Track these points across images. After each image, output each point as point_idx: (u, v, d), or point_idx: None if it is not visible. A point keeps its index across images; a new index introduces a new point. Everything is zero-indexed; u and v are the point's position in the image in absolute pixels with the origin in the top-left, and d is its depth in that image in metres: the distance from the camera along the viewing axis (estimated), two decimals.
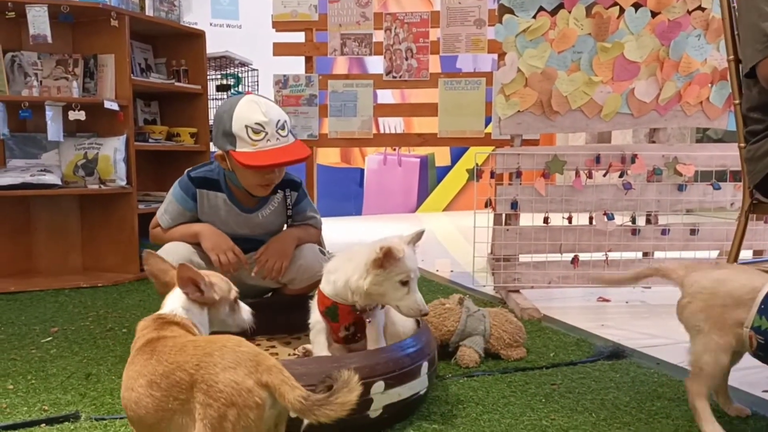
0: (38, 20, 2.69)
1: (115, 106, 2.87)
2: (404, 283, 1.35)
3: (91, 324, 2.19)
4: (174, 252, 1.70)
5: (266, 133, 1.62)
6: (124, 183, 2.93)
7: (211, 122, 3.31)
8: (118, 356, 1.82)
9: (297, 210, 1.89)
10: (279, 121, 1.65)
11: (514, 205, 2.49)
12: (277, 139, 1.64)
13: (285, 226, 1.91)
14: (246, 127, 1.61)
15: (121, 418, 1.37)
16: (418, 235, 1.40)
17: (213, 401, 0.94)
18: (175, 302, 1.20)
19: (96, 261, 3.09)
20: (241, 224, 1.81)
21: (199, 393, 0.96)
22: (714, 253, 2.62)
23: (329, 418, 0.93)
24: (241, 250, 1.80)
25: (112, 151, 2.90)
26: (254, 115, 1.62)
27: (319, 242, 1.95)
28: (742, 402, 1.46)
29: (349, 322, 1.46)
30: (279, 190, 1.83)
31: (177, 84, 3.27)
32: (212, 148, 2.98)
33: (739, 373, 1.70)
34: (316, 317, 1.49)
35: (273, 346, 1.79)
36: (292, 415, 0.99)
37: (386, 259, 1.33)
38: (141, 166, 3.05)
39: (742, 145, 1.61)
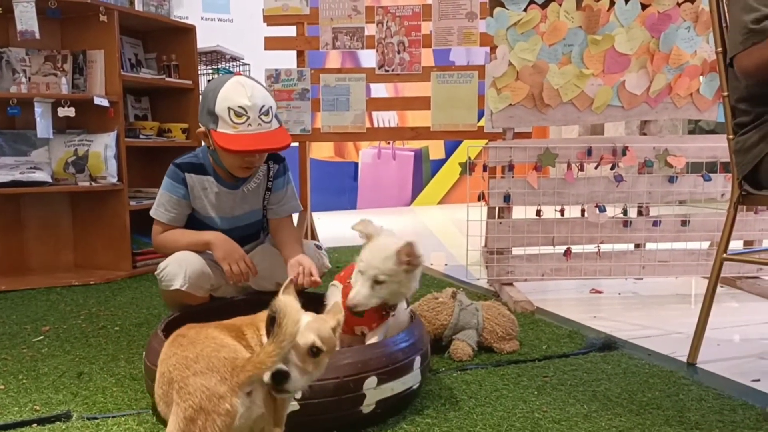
0: (26, 16, 2.66)
1: (105, 102, 2.85)
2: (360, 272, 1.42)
3: (83, 322, 2.18)
4: (185, 262, 1.68)
5: (248, 118, 1.60)
6: (115, 180, 2.91)
7: None
8: (110, 354, 1.82)
9: (276, 187, 1.85)
10: (263, 106, 1.63)
11: (507, 198, 2.49)
12: (259, 124, 1.62)
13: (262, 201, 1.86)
14: (228, 109, 1.60)
15: (113, 417, 1.37)
16: (408, 251, 1.41)
17: (182, 402, 0.94)
18: None
19: (88, 258, 3.08)
20: (233, 203, 1.79)
21: (173, 391, 0.97)
22: (705, 244, 2.63)
23: (282, 349, 0.94)
24: (242, 238, 1.79)
25: (103, 147, 2.88)
26: (238, 97, 1.60)
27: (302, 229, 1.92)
28: (733, 391, 1.48)
29: (375, 322, 1.47)
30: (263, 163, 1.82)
31: (167, 79, 3.25)
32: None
33: (730, 363, 1.72)
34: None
35: None
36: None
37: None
38: (132, 163, 3.04)
39: (731, 136, 1.62)
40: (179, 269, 1.66)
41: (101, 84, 2.94)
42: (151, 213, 1.80)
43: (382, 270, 1.38)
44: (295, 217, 3.63)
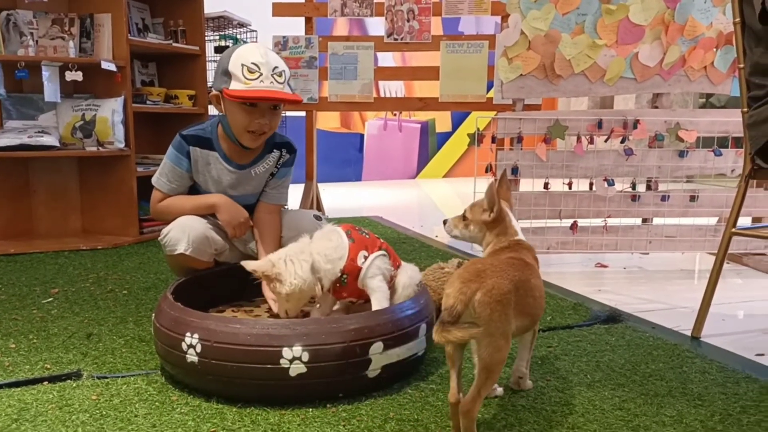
0: None
1: (112, 67, 2.83)
2: None
3: (91, 285, 2.20)
4: (188, 227, 1.68)
5: (261, 74, 1.61)
6: (122, 145, 2.91)
7: (209, 83, 3.27)
8: (119, 317, 1.84)
9: (280, 174, 1.85)
10: (277, 67, 1.64)
11: (515, 170, 2.48)
12: (271, 82, 1.62)
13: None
14: (242, 65, 1.60)
15: (122, 377, 1.39)
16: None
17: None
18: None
19: (95, 223, 3.09)
20: (234, 182, 1.79)
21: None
22: (713, 220, 2.62)
23: None
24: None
25: (110, 112, 2.87)
26: (252, 55, 1.61)
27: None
28: (737, 365, 1.48)
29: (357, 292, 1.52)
30: (275, 150, 1.82)
31: (174, 45, 3.22)
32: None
33: (734, 337, 1.73)
34: None
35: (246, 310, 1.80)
36: None
37: None
38: (139, 129, 3.03)
39: (745, 110, 1.60)
40: (182, 234, 1.66)
41: (108, 48, 2.91)
42: (153, 181, 1.79)
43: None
44: (301, 187, 3.66)
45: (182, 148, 1.74)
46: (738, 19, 1.60)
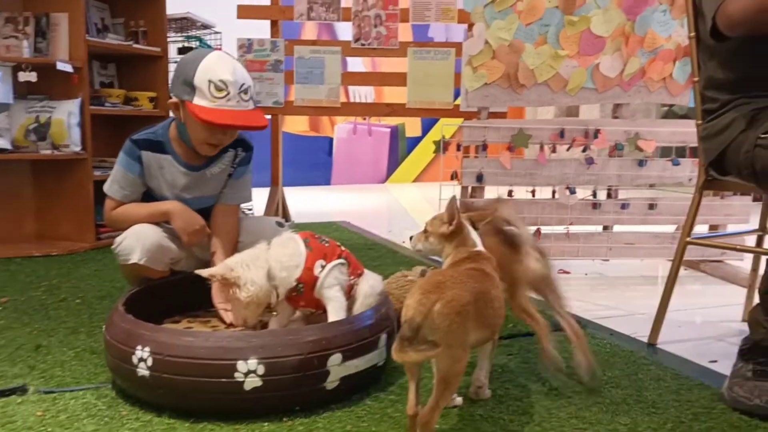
0: None
1: (68, 68, 2.75)
2: None
3: (43, 294, 2.12)
4: (142, 235, 1.63)
5: (228, 93, 1.58)
6: (78, 148, 2.82)
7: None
8: (71, 327, 1.78)
9: (237, 173, 1.81)
10: (243, 84, 1.61)
11: (480, 177, 2.49)
12: (238, 101, 1.60)
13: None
14: (209, 81, 1.57)
15: (71, 391, 1.34)
16: None
17: None
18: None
19: (50, 229, 2.99)
20: (190, 185, 1.75)
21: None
22: (671, 228, 2.68)
23: None
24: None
25: (66, 114, 2.79)
26: (221, 72, 1.57)
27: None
28: (690, 371, 1.51)
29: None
30: (230, 149, 1.78)
31: (135, 46, 3.15)
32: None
33: (689, 344, 1.76)
34: None
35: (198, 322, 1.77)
36: None
37: None
38: (97, 132, 2.94)
39: (699, 122, 1.63)
40: (136, 242, 1.61)
41: (65, 49, 2.83)
42: (105, 189, 1.74)
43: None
44: (265, 192, 3.61)
45: (133, 153, 1.70)
46: (693, 34, 1.63)
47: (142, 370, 1.23)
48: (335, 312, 1.45)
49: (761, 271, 1.58)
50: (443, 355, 1.04)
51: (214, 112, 1.57)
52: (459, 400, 1.32)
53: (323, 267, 1.46)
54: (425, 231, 1.34)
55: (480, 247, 1.29)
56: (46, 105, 2.83)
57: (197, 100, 1.58)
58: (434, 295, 1.06)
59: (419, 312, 1.04)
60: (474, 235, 1.30)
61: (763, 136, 1.38)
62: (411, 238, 1.39)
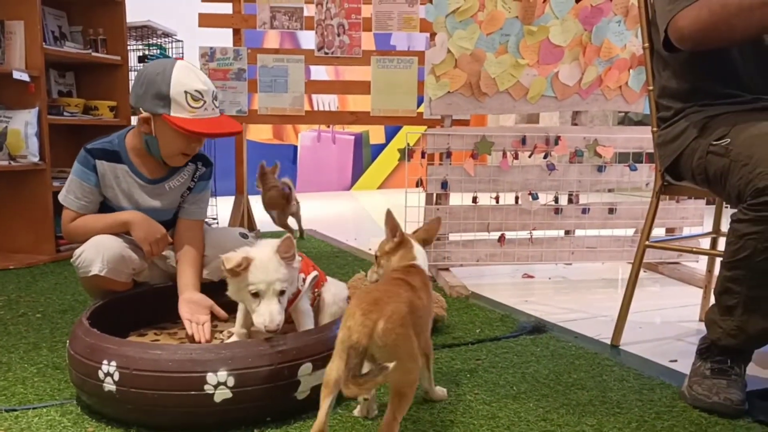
0: None
1: (25, 77, 2.68)
2: (255, 294, 1.31)
3: (1, 309, 2.06)
4: (102, 246, 1.60)
5: (204, 102, 1.61)
6: (36, 159, 2.75)
7: None
8: (32, 343, 1.73)
9: (198, 188, 1.81)
10: (213, 92, 1.66)
11: (444, 184, 2.53)
12: (213, 109, 1.64)
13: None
14: (186, 93, 1.57)
15: (34, 408, 1.31)
16: (287, 246, 1.32)
17: None
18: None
19: (7, 242, 2.90)
20: (146, 196, 1.73)
21: None
22: (630, 231, 2.76)
23: None
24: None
25: (23, 124, 2.71)
26: (194, 82, 1.60)
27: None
28: (652, 371, 1.56)
29: None
30: (190, 163, 1.78)
31: (94, 54, 3.09)
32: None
33: (650, 344, 1.82)
34: None
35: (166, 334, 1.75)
36: None
37: (231, 270, 1.30)
38: (56, 141, 2.87)
39: (655, 129, 1.69)
40: (96, 254, 1.58)
41: (21, 57, 2.75)
42: (61, 199, 1.71)
43: (281, 278, 1.31)
44: (231, 201, 3.57)
45: (88, 163, 1.67)
46: (647, 44, 1.70)
47: (109, 385, 1.20)
48: (307, 325, 1.45)
49: (716, 272, 1.64)
50: (395, 369, 1.02)
51: (195, 123, 1.59)
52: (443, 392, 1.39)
53: (304, 280, 1.46)
54: (375, 258, 1.35)
55: (419, 261, 1.29)
56: (2, 115, 2.75)
57: (176, 113, 1.58)
58: (375, 314, 1.05)
59: (364, 334, 1.03)
60: (417, 248, 1.31)
61: (714, 143, 1.44)
62: (366, 275, 1.40)
